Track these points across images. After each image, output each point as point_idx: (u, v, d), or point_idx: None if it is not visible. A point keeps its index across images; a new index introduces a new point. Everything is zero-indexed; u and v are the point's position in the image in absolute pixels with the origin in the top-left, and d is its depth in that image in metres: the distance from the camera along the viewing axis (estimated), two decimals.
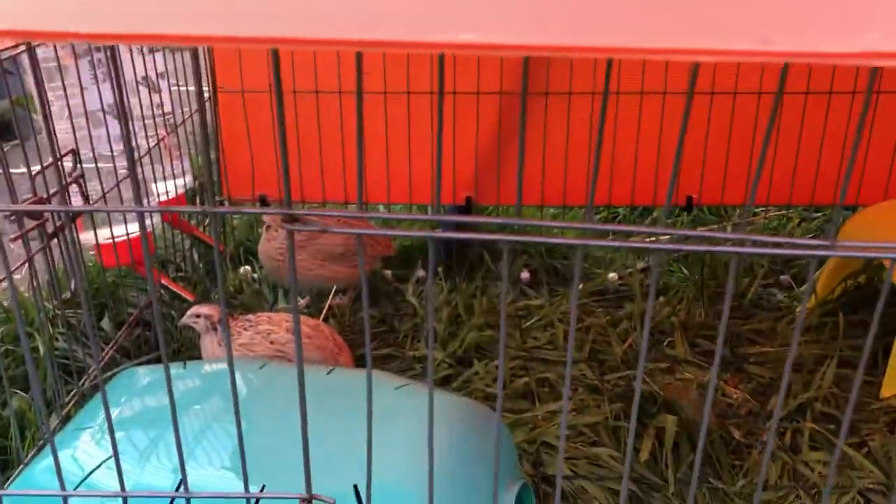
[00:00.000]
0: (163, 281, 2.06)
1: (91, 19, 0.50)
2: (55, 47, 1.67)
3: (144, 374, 1.33)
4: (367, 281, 0.64)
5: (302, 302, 2.19)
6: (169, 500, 1.00)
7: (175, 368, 1.36)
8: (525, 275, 2.36)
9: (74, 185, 1.55)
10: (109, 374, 1.63)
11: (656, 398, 1.74)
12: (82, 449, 1.12)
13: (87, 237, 1.86)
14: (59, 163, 1.51)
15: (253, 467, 1.11)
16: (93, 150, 1.77)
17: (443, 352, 1.94)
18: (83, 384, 1.66)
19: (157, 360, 1.76)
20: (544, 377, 1.86)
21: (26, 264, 1.49)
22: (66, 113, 1.72)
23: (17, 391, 1.71)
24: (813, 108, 2.19)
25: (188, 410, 1.21)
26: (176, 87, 2.22)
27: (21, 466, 1.41)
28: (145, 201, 1.95)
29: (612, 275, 2.32)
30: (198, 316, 1.62)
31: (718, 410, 1.75)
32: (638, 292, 2.18)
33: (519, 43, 0.44)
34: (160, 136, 2.07)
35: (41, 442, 1.50)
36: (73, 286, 1.73)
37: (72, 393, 1.63)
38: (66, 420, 1.49)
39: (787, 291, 2.26)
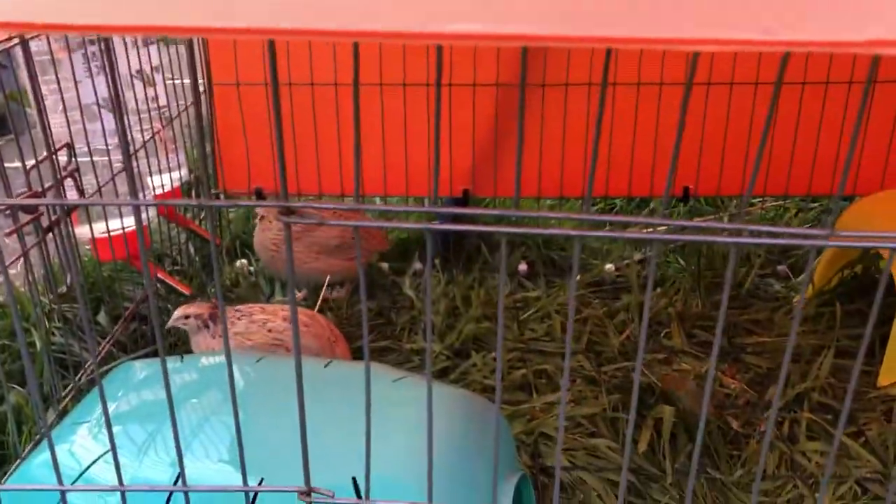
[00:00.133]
0: (159, 275, 2.06)
1: (85, 11, 0.50)
2: (48, 40, 1.66)
3: (141, 369, 1.32)
4: (364, 274, 0.63)
5: (299, 295, 2.18)
6: (167, 493, 0.99)
7: (172, 362, 1.35)
8: (522, 267, 2.35)
9: (69, 179, 1.54)
10: (106, 368, 1.62)
11: (654, 389, 1.74)
12: (79, 443, 1.12)
13: (82, 231, 1.86)
14: (54, 157, 1.50)
15: (251, 460, 1.10)
16: (87, 143, 1.76)
17: (440, 344, 1.94)
18: (80, 379, 1.66)
19: (154, 354, 1.76)
20: (542, 369, 1.86)
21: (22, 259, 1.48)
22: (61, 107, 1.72)
23: (14, 386, 1.71)
24: (810, 98, 2.19)
25: (186, 404, 1.20)
26: (171, 81, 2.21)
27: (18, 461, 1.41)
28: (141, 195, 1.94)
29: (609, 266, 2.32)
30: (186, 317, 1.60)
31: (716, 401, 1.75)
32: (635, 283, 2.18)
33: (517, 33, 0.43)
34: (155, 130, 2.06)
35: (38, 437, 1.49)
36: (69, 281, 1.72)
37: (68, 387, 1.63)
38: (63, 414, 1.48)
39: (785, 282, 2.26)
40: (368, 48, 2.15)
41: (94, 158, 1.82)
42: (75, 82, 1.72)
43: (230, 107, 2.27)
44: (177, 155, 2.22)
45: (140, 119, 1.99)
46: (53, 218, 1.52)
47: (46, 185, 1.45)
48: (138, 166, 1.96)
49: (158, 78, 2.12)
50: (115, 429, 1.15)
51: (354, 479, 0.99)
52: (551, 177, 2.29)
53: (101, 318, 1.94)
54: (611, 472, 1.54)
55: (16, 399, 1.66)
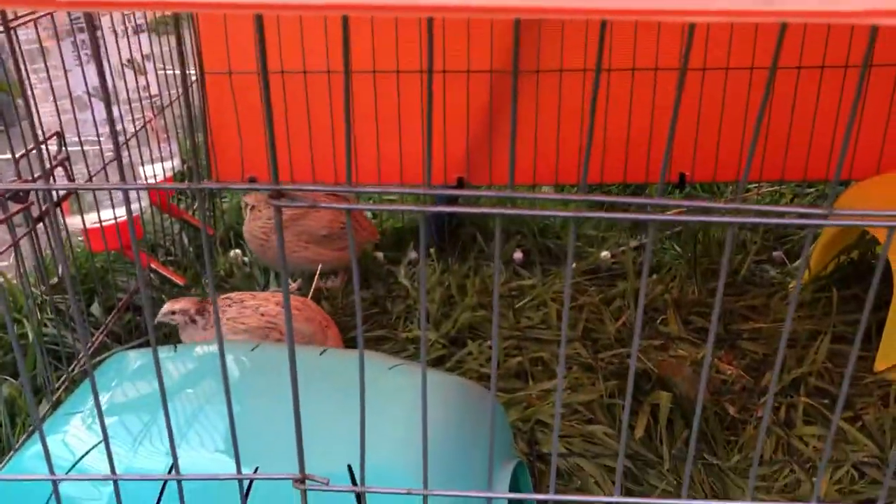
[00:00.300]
0: (152, 265, 2.05)
1: None
2: (37, 28, 1.64)
3: (135, 358, 1.31)
4: (356, 262, 0.63)
5: (294, 285, 2.17)
6: (161, 482, 0.99)
7: (166, 352, 1.35)
8: (518, 255, 2.35)
9: (60, 169, 1.53)
10: (99, 358, 1.61)
11: (650, 375, 1.74)
12: (73, 434, 1.11)
13: (74, 222, 1.85)
14: (44, 146, 1.49)
15: (246, 449, 1.10)
16: (78, 133, 1.75)
17: (436, 332, 1.93)
18: (73, 370, 1.65)
19: (148, 345, 1.75)
20: (538, 356, 1.86)
21: (12, 249, 1.47)
22: (51, 96, 1.70)
23: (7, 378, 1.70)
24: (805, 82, 2.18)
25: (180, 393, 1.20)
26: (162, 70, 2.19)
27: (11, 453, 1.40)
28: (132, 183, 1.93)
29: (604, 253, 2.31)
30: (173, 312, 1.59)
31: (713, 387, 1.75)
32: (631, 270, 2.18)
33: (510, 5, 0.42)
34: (147, 119, 2.05)
35: (31, 428, 1.48)
36: (60, 271, 1.71)
37: (62, 378, 1.62)
38: (56, 405, 1.47)
39: (780, 267, 2.26)
40: (360, 35, 2.13)
41: (85, 148, 1.81)
42: (65, 71, 1.70)
43: (222, 96, 2.26)
44: (169, 144, 2.20)
45: (131, 108, 1.98)
46: (44, 208, 1.50)
47: (36, 175, 1.43)
48: (130, 156, 1.94)
49: (150, 67, 2.10)
50: (109, 419, 1.14)
51: (350, 467, 0.99)
52: (547, 164, 2.28)
53: (95, 308, 1.93)
54: (608, 459, 1.53)
55: (9, 391, 1.65)
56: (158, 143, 2.12)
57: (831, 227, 2.04)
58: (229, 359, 1.32)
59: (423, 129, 2.25)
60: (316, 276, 2.03)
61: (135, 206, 1.98)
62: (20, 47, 1.63)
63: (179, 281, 2.09)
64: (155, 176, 2.10)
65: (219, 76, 2.23)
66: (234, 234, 2.40)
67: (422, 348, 0.69)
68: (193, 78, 2.27)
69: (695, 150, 2.26)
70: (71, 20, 1.75)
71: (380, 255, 2.33)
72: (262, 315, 1.57)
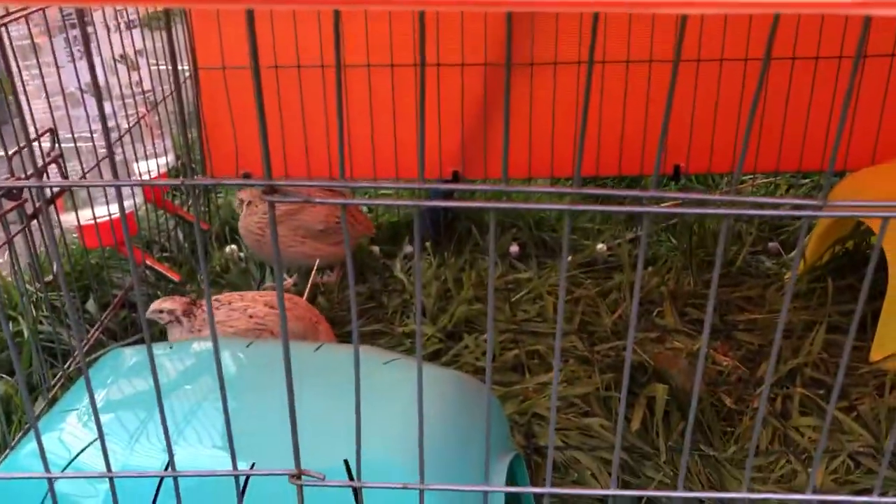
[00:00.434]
0: (147, 261, 2.04)
1: None
2: (28, 24, 1.63)
3: (131, 355, 1.31)
4: (351, 256, 0.62)
5: (289, 280, 2.17)
6: (157, 479, 0.99)
7: (161, 349, 1.34)
8: (514, 248, 2.35)
9: (53, 165, 1.52)
10: (94, 356, 1.61)
11: (646, 368, 1.74)
12: (69, 431, 1.11)
13: (68, 219, 1.84)
14: (37, 143, 1.48)
15: (243, 445, 1.10)
16: (71, 129, 1.74)
17: (432, 326, 1.93)
18: (69, 367, 1.64)
19: (143, 342, 1.74)
20: (534, 349, 1.86)
21: (6, 247, 1.46)
22: (43, 93, 1.69)
23: (2, 375, 1.69)
24: (800, 73, 2.18)
25: (177, 390, 1.19)
26: (155, 66, 2.19)
27: (7, 451, 1.39)
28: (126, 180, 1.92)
29: (600, 246, 2.31)
30: (161, 311, 1.58)
31: (709, 378, 1.75)
32: (627, 263, 2.18)
33: None
34: (140, 115, 2.04)
35: (27, 426, 1.48)
36: (55, 268, 1.70)
37: (57, 376, 1.62)
38: (52, 403, 1.47)
39: (776, 258, 2.26)
40: (354, 28, 2.13)
41: (79, 144, 1.80)
42: (57, 67, 1.70)
43: (216, 91, 2.25)
44: (163, 140, 2.19)
45: (125, 104, 1.97)
46: (38, 205, 1.50)
47: (29, 173, 1.43)
48: (123, 152, 1.93)
49: (143, 62, 2.09)
50: (105, 416, 1.14)
51: (346, 462, 0.99)
52: (541, 157, 2.28)
53: (90, 305, 1.93)
54: (604, 451, 1.54)
55: (5, 388, 1.65)
56: (152, 138, 2.11)
57: (826, 218, 2.04)
58: (225, 355, 1.32)
59: (418, 122, 2.24)
60: (313, 272, 2.02)
61: (129, 203, 1.97)
62: (11, 44, 1.63)
63: (175, 277, 2.08)
64: (149, 172, 2.10)
65: (212, 71, 2.22)
66: (229, 230, 2.40)
67: (417, 343, 0.69)
68: (187, 73, 2.26)
69: (689, 142, 2.26)
70: (63, 16, 1.74)
71: (375, 249, 2.33)
72: (251, 317, 1.56)
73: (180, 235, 2.33)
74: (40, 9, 1.62)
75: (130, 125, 1.98)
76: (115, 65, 1.95)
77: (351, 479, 0.96)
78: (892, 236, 1.74)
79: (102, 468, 0.78)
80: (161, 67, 2.22)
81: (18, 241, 1.53)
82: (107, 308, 1.88)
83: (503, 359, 1.83)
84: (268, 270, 2.21)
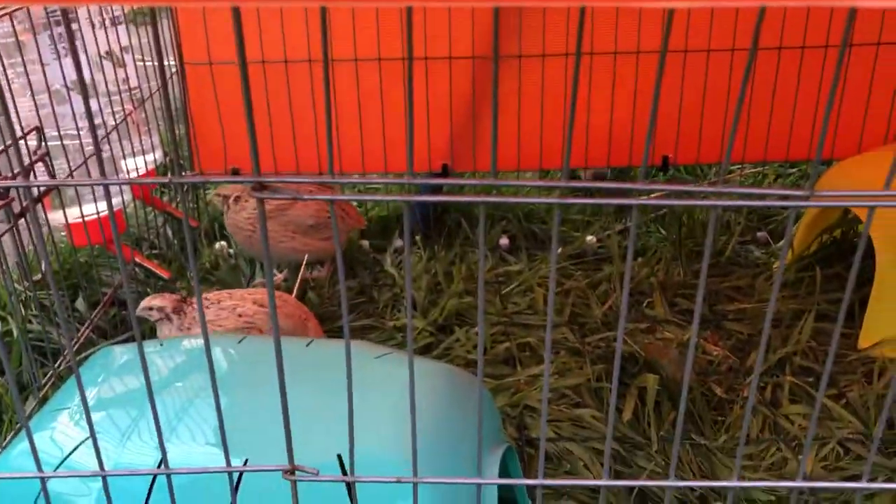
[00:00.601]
0: (137, 259, 2.04)
1: None
2: (12, 22, 1.62)
3: (121, 353, 1.31)
4: (341, 252, 0.62)
5: (279, 276, 2.17)
6: (150, 477, 0.99)
7: (152, 346, 1.34)
8: (504, 241, 2.35)
9: (40, 164, 1.51)
10: (85, 354, 1.60)
11: (637, 358, 1.75)
12: (60, 430, 1.11)
13: (56, 217, 1.83)
14: (23, 141, 1.47)
15: (236, 441, 1.10)
16: (57, 127, 1.73)
17: (423, 320, 1.94)
18: (59, 366, 1.64)
19: (134, 339, 1.74)
20: (525, 342, 1.86)
21: None
22: (28, 91, 1.68)
23: None
24: (786, 63, 2.19)
25: (169, 388, 1.19)
26: (142, 62, 2.17)
27: None
28: (113, 177, 1.91)
29: (590, 237, 2.32)
30: (150, 308, 1.57)
31: (699, 368, 1.76)
32: (616, 254, 2.18)
33: None
34: (127, 112, 2.03)
35: (18, 425, 1.48)
36: (43, 267, 1.70)
37: (48, 375, 1.61)
38: (43, 402, 1.47)
39: (764, 248, 2.27)
40: (341, 22, 2.12)
41: (66, 142, 1.79)
42: (42, 65, 1.69)
43: (203, 87, 2.24)
44: (150, 137, 2.18)
45: (111, 101, 1.96)
46: (24, 204, 1.49)
47: (16, 171, 1.42)
48: (111, 150, 1.92)
49: (129, 59, 2.08)
50: (97, 414, 1.14)
51: (340, 457, 0.99)
52: (531, 150, 2.28)
53: (80, 304, 1.92)
54: (596, 442, 1.54)
55: None
56: (140, 135, 2.10)
57: (813, 207, 2.06)
58: (216, 352, 1.32)
59: (407, 116, 2.23)
60: (302, 268, 2.02)
61: (117, 200, 1.96)
62: None
63: (164, 274, 2.08)
64: (137, 169, 2.09)
65: (199, 67, 2.21)
66: (218, 226, 2.39)
67: (408, 336, 0.69)
68: (173, 69, 2.25)
69: (678, 133, 2.27)
70: (47, 13, 1.73)
71: (365, 243, 2.33)
72: (240, 316, 1.56)
73: (169, 232, 2.32)
74: (24, 6, 1.60)
75: (117, 122, 1.97)
76: (101, 61, 1.94)
77: (344, 473, 0.97)
78: (880, 224, 1.75)
79: (95, 467, 0.77)
80: (147, 64, 2.21)
81: (6, 240, 1.52)
82: (96, 306, 1.88)
83: (494, 351, 1.84)
84: (258, 266, 2.21)
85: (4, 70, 1.63)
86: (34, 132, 1.51)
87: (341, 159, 2.28)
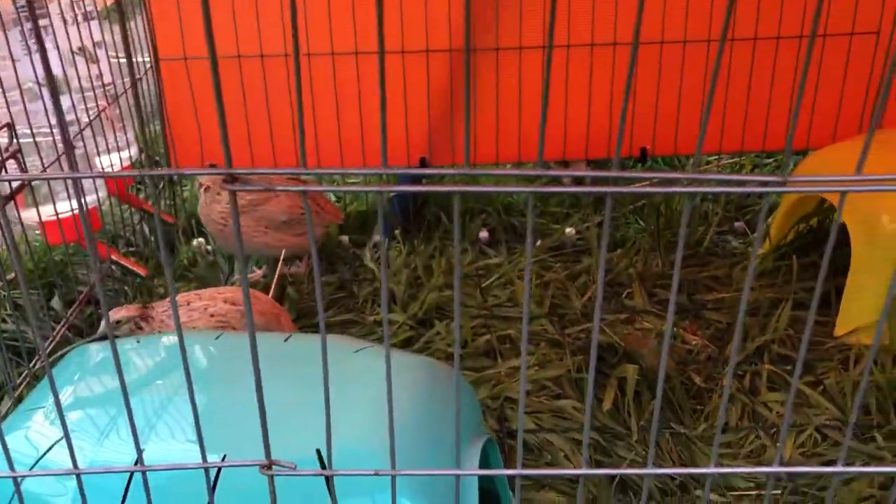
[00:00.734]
0: (113, 256, 2.01)
1: None
2: None
3: (97, 352, 1.29)
4: (315, 246, 0.62)
5: (258, 272, 2.15)
6: (126, 475, 0.98)
7: (129, 344, 1.33)
8: (483, 234, 2.35)
9: (12, 161, 1.49)
10: (60, 353, 1.59)
11: (617, 349, 1.75)
12: (35, 430, 1.09)
13: (30, 215, 1.81)
14: None
15: (216, 437, 1.09)
16: (29, 124, 1.71)
17: (403, 314, 1.93)
18: (34, 365, 1.62)
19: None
20: (506, 334, 1.87)
21: None
22: None
23: None
24: (762, 54, 2.20)
25: (147, 385, 1.18)
26: (115, 58, 2.15)
27: None
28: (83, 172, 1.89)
29: (569, 230, 2.33)
30: (118, 322, 1.50)
31: (678, 357, 1.77)
32: (595, 246, 2.19)
33: None
34: (101, 108, 2.01)
35: None
36: (15, 266, 1.67)
37: (23, 374, 1.59)
38: (18, 402, 1.45)
39: (742, 238, 2.28)
40: (318, 16, 2.11)
41: (38, 139, 1.77)
42: (13, 61, 1.66)
43: (179, 83, 2.22)
44: (125, 133, 2.16)
45: (84, 97, 1.94)
46: None
47: None
48: (84, 146, 1.90)
49: (102, 54, 2.06)
50: (73, 413, 1.12)
51: (319, 451, 0.98)
52: (509, 143, 2.28)
53: (55, 302, 1.90)
54: (576, 433, 1.55)
55: None
56: (114, 132, 2.08)
57: (790, 196, 2.07)
58: (194, 349, 1.31)
59: (384, 110, 2.23)
60: (280, 264, 2.01)
61: (91, 198, 1.94)
62: None
63: (142, 272, 2.06)
64: (112, 166, 2.06)
65: (174, 62, 2.19)
66: (195, 223, 2.37)
67: (384, 328, 0.69)
68: (148, 65, 2.23)
69: (655, 124, 2.28)
70: (17, 8, 1.71)
71: (345, 238, 2.32)
72: (213, 316, 1.53)
73: (146, 229, 2.30)
74: None
75: (91, 118, 1.95)
76: (74, 57, 1.92)
77: (323, 467, 0.96)
78: (854, 212, 1.77)
79: (70, 466, 0.76)
80: (122, 60, 2.18)
81: None
82: (72, 305, 1.85)
83: (475, 344, 1.84)
84: (236, 263, 2.19)
85: None
86: (5, 129, 1.49)
87: (319, 154, 2.27)
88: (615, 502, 1.39)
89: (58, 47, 1.83)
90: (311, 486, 0.97)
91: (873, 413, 1.58)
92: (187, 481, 0.97)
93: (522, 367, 0.61)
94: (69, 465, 0.98)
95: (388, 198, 2.43)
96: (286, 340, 1.27)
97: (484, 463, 1.24)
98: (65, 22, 1.87)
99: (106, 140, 2.03)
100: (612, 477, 1.42)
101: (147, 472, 0.80)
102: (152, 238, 2.28)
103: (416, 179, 2.27)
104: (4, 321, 1.79)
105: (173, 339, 1.38)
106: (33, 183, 1.74)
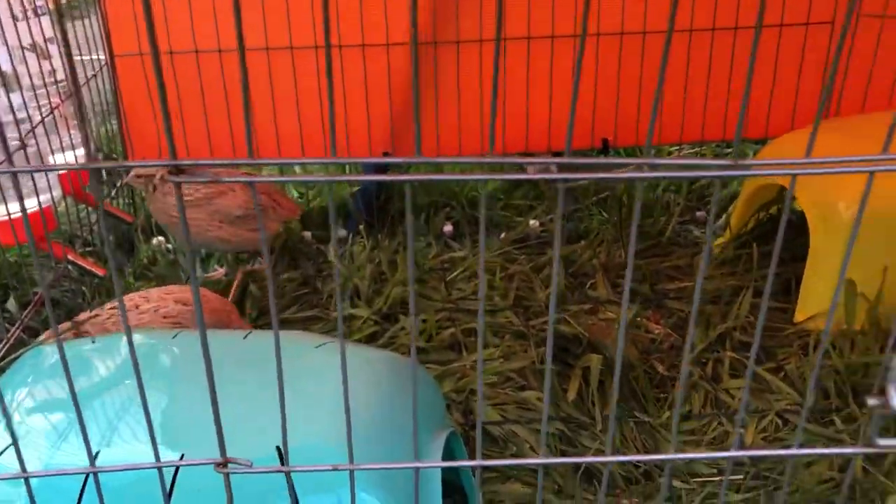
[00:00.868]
0: (69, 256, 1.98)
1: None
2: None
3: (52, 353, 1.27)
4: (267, 243, 0.61)
5: (220, 270, 2.12)
6: (77, 477, 0.96)
7: (87, 344, 1.30)
8: (448, 228, 2.34)
9: None
10: (15, 355, 1.55)
11: (581, 339, 1.76)
12: None
13: None
14: None
15: (176, 437, 1.07)
16: None
17: (368, 309, 1.92)
18: None
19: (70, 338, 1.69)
20: (471, 327, 1.86)
21: None
22: None
23: None
24: (720, 43, 2.22)
25: (108, 386, 1.16)
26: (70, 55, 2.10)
27: None
28: (42, 174, 1.85)
29: (533, 222, 2.33)
30: (68, 328, 1.44)
31: (642, 347, 1.78)
32: (559, 238, 2.19)
33: None
34: (53, 105, 1.97)
35: None
36: None
37: None
38: None
39: (703, 227, 2.30)
40: (276, 10, 2.09)
41: None
42: None
43: (135, 78, 2.18)
44: (80, 130, 2.12)
45: (36, 95, 1.89)
46: None
47: None
48: (37, 144, 1.86)
49: (54, 50, 2.01)
50: (29, 415, 1.10)
51: (279, 448, 0.97)
52: (471, 135, 2.28)
53: (11, 304, 1.86)
54: (541, 423, 1.55)
55: None
56: (69, 129, 2.04)
57: (750, 185, 2.09)
58: (154, 347, 1.29)
59: (345, 103, 2.22)
60: (238, 276, 1.97)
61: (45, 197, 1.90)
62: None
63: (100, 272, 2.02)
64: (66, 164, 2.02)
65: (129, 58, 2.15)
66: (155, 221, 2.34)
67: (339, 321, 0.68)
68: (103, 61, 2.19)
69: (616, 115, 2.29)
70: None
71: (308, 234, 2.30)
72: (165, 317, 1.49)
73: (104, 229, 2.26)
74: None
75: (44, 116, 1.91)
76: (24, 54, 1.87)
77: (283, 464, 0.95)
78: (812, 199, 1.79)
79: (27, 469, 0.75)
80: (77, 57, 2.14)
81: None
82: (27, 307, 1.82)
83: (440, 338, 1.83)
84: (197, 261, 2.17)
85: None
86: None
87: (280, 149, 2.24)
88: (581, 492, 1.39)
89: (6, 43, 1.79)
90: (275, 483, 0.96)
91: (832, 397, 1.61)
92: (146, 482, 0.95)
93: (479, 355, 0.61)
94: (27, 467, 0.96)
95: (352, 193, 2.42)
96: (245, 338, 1.25)
97: (449, 456, 1.23)
98: (14, 18, 1.83)
99: (60, 138, 1.99)
100: (578, 466, 1.42)
101: (101, 474, 0.79)
102: (111, 237, 2.24)
103: (381, 170, 2.26)
104: None
105: (137, 337, 1.35)
106: None
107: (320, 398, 1.07)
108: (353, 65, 2.15)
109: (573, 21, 2.16)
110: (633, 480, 1.43)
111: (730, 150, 2.72)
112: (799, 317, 1.84)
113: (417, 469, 0.73)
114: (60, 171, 1.98)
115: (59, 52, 2.05)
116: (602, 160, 0.63)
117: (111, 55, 2.18)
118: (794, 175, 0.59)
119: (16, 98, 1.81)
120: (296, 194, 2.49)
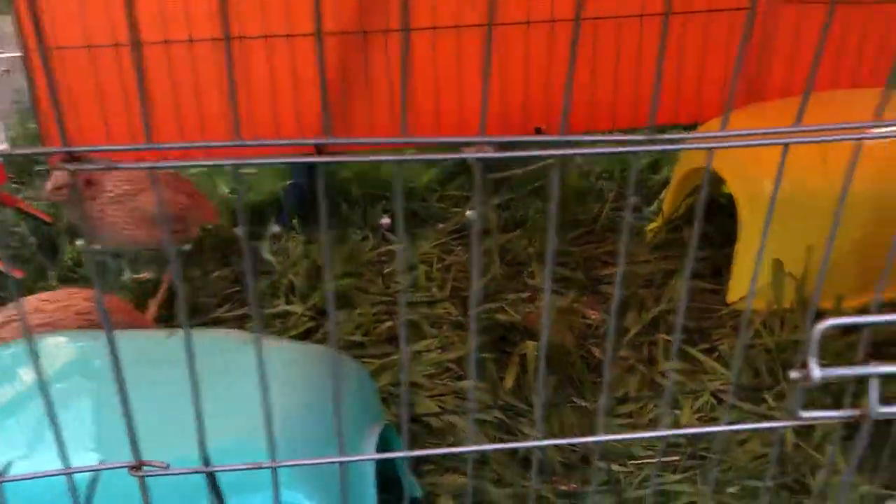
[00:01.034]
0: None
1: None
2: None
3: None
4: (180, 243, 0.58)
5: (144, 275, 2.05)
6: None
7: (12, 347, 1.25)
8: (385, 220, 2.32)
9: None
10: None
11: (518, 327, 1.76)
12: None
13: None
14: None
15: (99, 441, 1.03)
16: None
17: (302, 305, 1.89)
18: None
19: None
20: (408, 319, 1.84)
21: None
22: None
23: None
24: (649, 31, 2.24)
25: (37, 391, 1.11)
26: None
27: None
28: None
29: (469, 212, 2.32)
30: None
31: (578, 332, 1.79)
32: (495, 227, 2.19)
33: None
34: None
35: None
36: None
37: None
38: None
39: (636, 213, 2.33)
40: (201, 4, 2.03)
41: None
42: None
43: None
44: None
45: None
46: None
47: None
48: None
49: None
50: None
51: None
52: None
53: None
54: (480, 413, 1.54)
55: None
56: None
57: (681, 169, 2.12)
58: (80, 349, 1.25)
59: (273, 91, 2.18)
60: (163, 289, 1.91)
61: None
62: None
63: (18, 274, 1.94)
64: None
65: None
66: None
67: (254, 313, 0.66)
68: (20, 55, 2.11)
69: (549, 104, 2.29)
70: None
71: (239, 230, 2.24)
72: (79, 314, 1.42)
73: (25, 230, 2.17)
74: None
75: None
76: None
77: (206, 465, 0.92)
78: (739, 180, 1.82)
79: None
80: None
81: None
82: None
83: (377, 331, 1.81)
84: (124, 261, 2.10)
85: None
86: None
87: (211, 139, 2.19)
88: (519, 480, 1.38)
89: None
90: (201, 486, 0.93)
91: (763, 375, 1.63)
92: (56, 489, 0.91)
93: (402, 343, 0.59)
94: None
95: (283, 187, 2.37)
96: (169, 337, 1.21)
97: (385, 451, 1.21)
98: None
99: None
100: (515, 454, 1.41)
101: (11, 484, 0.75)
102: (33, 240, 2.15)
103: (310, 168, 2.22)
104: None
105: (61, 339, 1.30)
106: None
107: (247, 396, 1.03)
108: (280, 56, 2.11)
109: (505, 8, 2.16)
110: (571, 466, 1.43)
111: (660, 135, 2.75)
112: (731, 297, 1.87)
113: (342, 463, 0.71)
114: None
115: None
116: (528, 137, 0.62)
117: (25, 50, 2.09)
118: (711, 148, 0.59)
119: None
120: (226, 190, 2.43)
